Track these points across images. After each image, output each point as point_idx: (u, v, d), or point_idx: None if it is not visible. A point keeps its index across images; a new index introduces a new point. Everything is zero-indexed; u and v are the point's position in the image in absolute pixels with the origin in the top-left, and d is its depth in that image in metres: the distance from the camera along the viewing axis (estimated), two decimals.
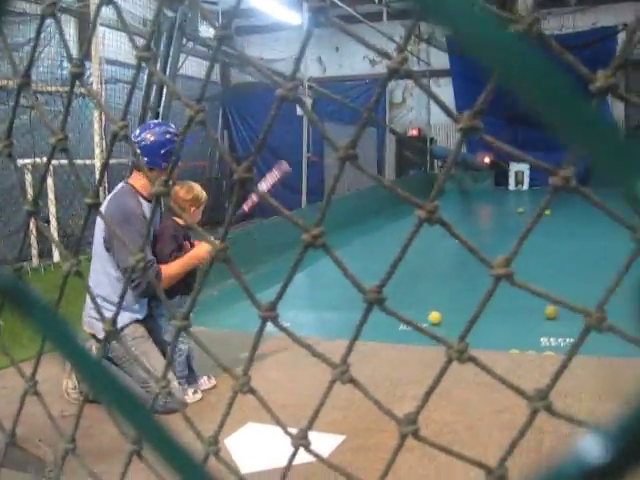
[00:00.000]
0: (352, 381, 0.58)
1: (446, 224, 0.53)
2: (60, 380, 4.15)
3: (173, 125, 4.31)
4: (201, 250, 4.08)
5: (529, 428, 0.56)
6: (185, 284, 4.12)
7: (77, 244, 0.82)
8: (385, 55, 0.50)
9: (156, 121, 4.41)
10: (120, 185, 4.16)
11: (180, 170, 4.42)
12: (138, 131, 4.15)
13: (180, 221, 4.17)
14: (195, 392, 4.16)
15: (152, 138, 4.03)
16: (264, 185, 4.22)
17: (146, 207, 4.04)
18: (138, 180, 4.09)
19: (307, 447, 0.62)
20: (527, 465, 2.96)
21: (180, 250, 4.14)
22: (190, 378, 4.23)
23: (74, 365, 0.52)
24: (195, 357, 4.27)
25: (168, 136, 4.07)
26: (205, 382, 4.23)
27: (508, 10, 16.75)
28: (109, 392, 0.48)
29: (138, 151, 3.96)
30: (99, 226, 4.01)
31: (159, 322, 4.21)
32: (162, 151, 4.00)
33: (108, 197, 4.11)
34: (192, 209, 4.20)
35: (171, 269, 4.03)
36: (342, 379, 0.58)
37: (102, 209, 3.90)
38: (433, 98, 0.53)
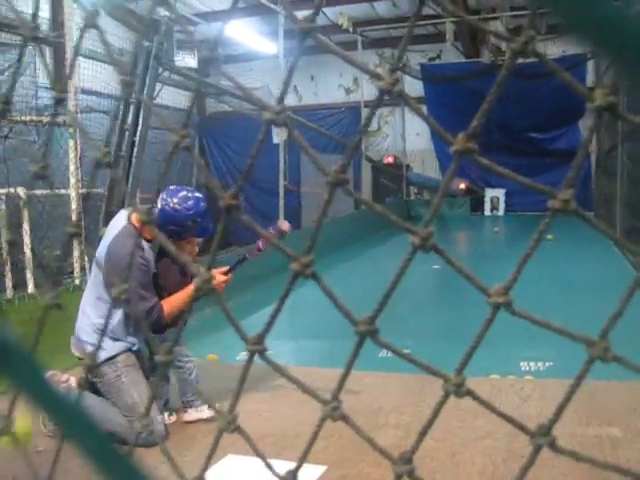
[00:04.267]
0: (344, 418, 0.55)
1: (441, 251, 0.51)
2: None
3: (203, 202, 4.06)
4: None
5: (532, 465, 0.53)
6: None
7: (57, 275, 0.79)
8: (376, 76, 0.49)
9: (190, 190, 4.20)
10: (122, 224, 4.02)
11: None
12: (170, 191, 4.02)
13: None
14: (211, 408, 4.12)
15: (176, 208, 3.92)
16: (260, 243, 4.21)
17: (147, 248, 4.01)
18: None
19: None
20: None
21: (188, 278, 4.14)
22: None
23: (50, 415, 0.49)
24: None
25: (189, 220, 3.95)
26: (207, 412, 4.14)
27: (480, 41, 17.02)
28: (79, 434, 0.45)
29: (158, 210, 3.92)
30: (96, 263, 3.99)
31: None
32: (172, 227, 3.91)
33: (110, 233, 4.01)
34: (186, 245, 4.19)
35: (173, 302, 4.00)
36: (333, 416, 0.55)
37: (104, 247, 3.82)
38: (425, 120, 0.51)
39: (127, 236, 3.92)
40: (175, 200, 3.95)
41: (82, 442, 0.47)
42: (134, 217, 4.04)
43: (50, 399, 0.49)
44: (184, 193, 4.04)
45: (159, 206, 3.94)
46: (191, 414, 4.16)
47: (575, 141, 16.51)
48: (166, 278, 4.14)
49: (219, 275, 4.02)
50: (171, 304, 3.99)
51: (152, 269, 4.04)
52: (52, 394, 0.48)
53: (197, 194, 4.10)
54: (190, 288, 4.04)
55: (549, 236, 11.76)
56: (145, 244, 3.98)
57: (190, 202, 3.99)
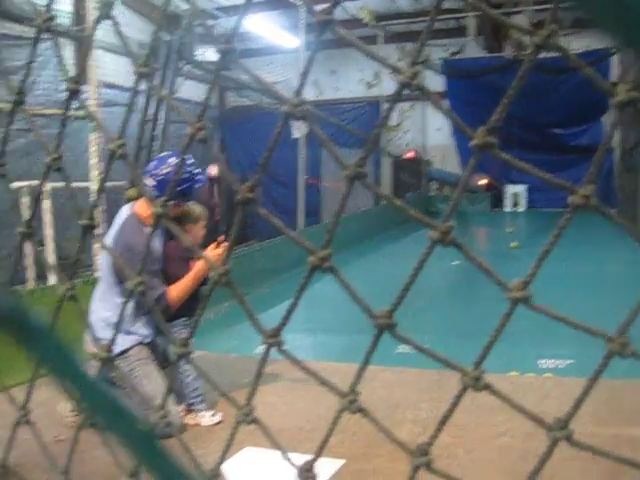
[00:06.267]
0: (361, 410, 0.55)
1: (460, 246, 0.51)
2: (55, 403, 4.10)
3: (192, 159, 4.10)
4: (204, 263, 4.02)
5: (549, 458, 0.53)
6: (188, 307, 4.07)
7: (73, 268, 0.80)
8: (396, 70, 0.48)
9: (173, 153, 4.25)
10: (126, 213, 4.08)
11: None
12: (155, 162, 4.08)
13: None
14: (214, 415, 4.08)
15: (170, 174, 3.93)
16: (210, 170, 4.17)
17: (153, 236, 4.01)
18: (145, 209, 4.00)
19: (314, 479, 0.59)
20: None
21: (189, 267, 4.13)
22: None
23: (73, 389, 0.50)
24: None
25: (186, 175, 3.97)
26: (207, 419, 4.09)
27: (502, 35, 16.90)
28: (109, 416, 0.46)
29: (154, 183, 3.93)
30: (106, 253, 3.98)
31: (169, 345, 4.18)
32: (177, 189, 3.92)
33: (115, 226, 4.05)
34: (189, 228, 4.18)
35: (180, 288, 4.00)
36: (351, 408, 0.55)
37: (109, 240, 3.80)
38: (446, 114, 0.51)
39: (128, 227, 3.95)
40: (165, 170, 3.97)
41: (118, 428, 0.47)
42: (137, 207, 4.08)
43: (84, 384, 0.49)
44: (164, 159, 4.10)
45: (153, 182, 3.95)
46: (192, 419, 4.08)
47: (598, 137, 16.32)
48: (168, 264, 4.12)
49: (214, 250, 4.01)
50: (178, 290, 3.99)
51: (158, 256, 4.04)
52: (86, 379, 0.49)
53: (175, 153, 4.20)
54: (193, 273, 4.04)
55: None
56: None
57: (172, 158, 4.05)
